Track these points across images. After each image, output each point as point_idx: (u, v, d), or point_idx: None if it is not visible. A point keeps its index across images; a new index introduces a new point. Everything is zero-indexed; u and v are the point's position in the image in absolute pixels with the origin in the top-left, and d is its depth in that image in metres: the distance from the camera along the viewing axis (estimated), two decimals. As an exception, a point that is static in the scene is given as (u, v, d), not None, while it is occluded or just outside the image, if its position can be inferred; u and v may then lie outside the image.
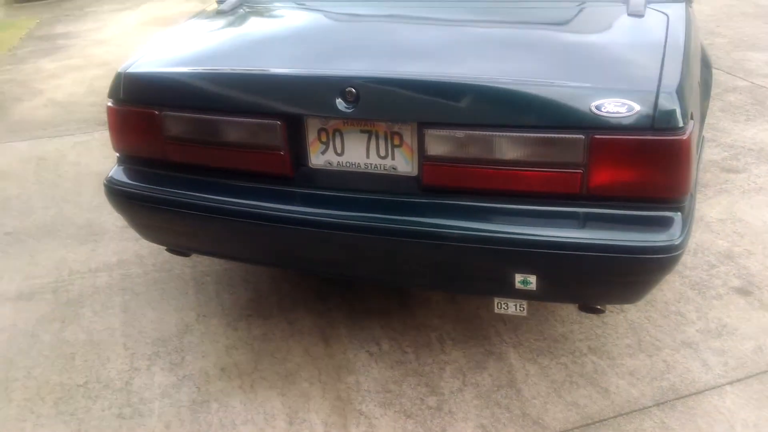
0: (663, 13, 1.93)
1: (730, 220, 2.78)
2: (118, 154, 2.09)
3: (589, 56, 1.76)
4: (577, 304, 1.84)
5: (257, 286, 2.56)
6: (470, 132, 1.64)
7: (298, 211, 1.81)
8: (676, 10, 1.96)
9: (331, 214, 1.78)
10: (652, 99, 1.52)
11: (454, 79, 1.66)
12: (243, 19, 2.25)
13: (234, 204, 1.87)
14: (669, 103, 1.52)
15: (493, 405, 1.99)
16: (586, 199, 1.63)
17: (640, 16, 1.90)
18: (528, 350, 2.18)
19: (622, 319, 2.29)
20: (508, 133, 1.62)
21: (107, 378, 2.18)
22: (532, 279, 1.69)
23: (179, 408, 2.05)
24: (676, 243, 1.57)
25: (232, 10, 2.31)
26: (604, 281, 1.69)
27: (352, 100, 1.69)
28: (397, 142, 1.75)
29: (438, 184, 1.73)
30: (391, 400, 2.03)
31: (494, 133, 1.63)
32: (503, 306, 1.84)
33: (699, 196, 2.90)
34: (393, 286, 2.43)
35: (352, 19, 2.19)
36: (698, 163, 1.96)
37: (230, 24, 2.21)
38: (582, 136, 1.56)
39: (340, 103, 1.70)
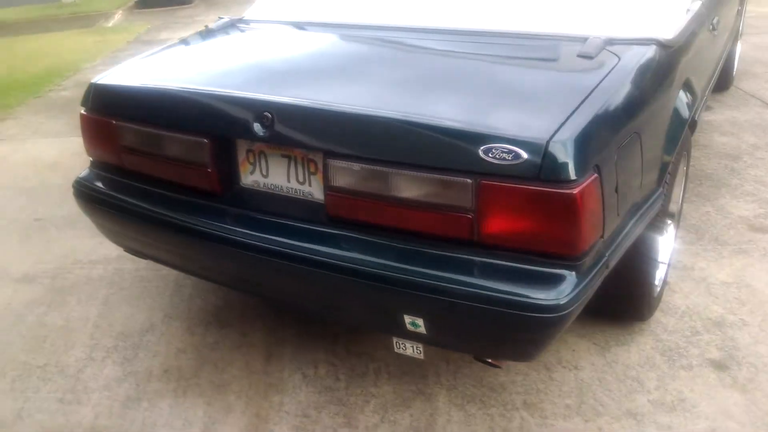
0: (616, 56, 1.80)
1: (736, 285, 2.52)
2: (90, 159, 2.25)
3: (502, 97, 1.68)
4: (470, 355, 1.75)
5: (228, 295, 2.64)
6: (366, 166, 1.62)
7: (218, 227, 1.86)
8: (636, 55, 1.82)
9: (244, 233, 1.81)
10: (541, 148, 1.43)
11: (353, 111, 1.64)
12: (215, 40, 2.34)
13: (169, 216, 1.95)
14: (559, 154, 1.43)
15: (402, 446, 1.94)
16: (477, 246, 1.56)
17: (589, 57, 1.78)
18: (460, 395, 2.09)
19: (572, 377, 2.14)
20: (401, 171, 1.58)
21: (64, 364, 2.34)
22: (420, 322, 1.63)
23: (113, 402, 2.16)
24: (562, 303, 1.46)
25: (216, 31, 2.42)
26: (489, 334, 1.60)
27: (268, 124, 1.73)
28: (312, 169, 1.76)
29: (340, 215, 1.72)
30: (306, 425, 2.02)
31: (388, 170, 1.59)
32: (401, 346, 1.79)
33: (712, 254, 2.67)
34: (296, 311, 2.43)
35: (310, 47, 2.21)
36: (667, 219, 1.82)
37: (201, 44, 2.32)
38: (470, 181, 1.49)
39: (257, 126, 1.74)
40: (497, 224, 1.53)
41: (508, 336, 1.58)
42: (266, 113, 1.73)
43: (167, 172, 1.98)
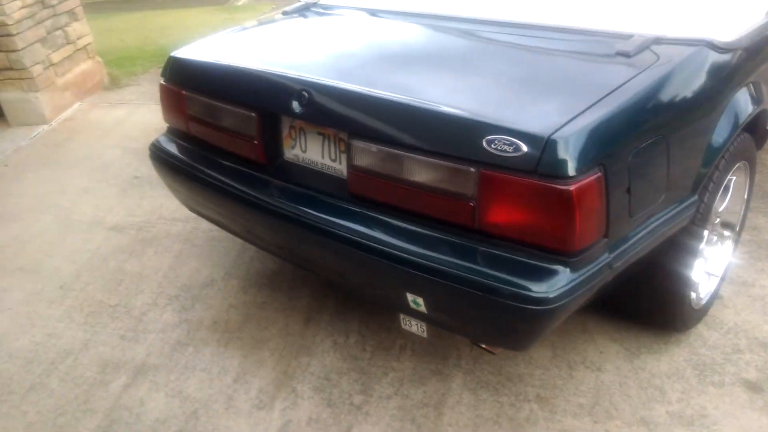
0: (656, 55, 1.76)
1: (797, 308, 2.36)
2: (167, 125, 2.49)
3: (523, 90, 1.69)
4: (468, 339, 1.80)
5: (284, 262, 2.82)
6: (383, 148, 1.71)
7: (259, 195, 2.02)
8: (677, 55, 1.77)
9: (280, 202, 1.95)
10: (542, 142, 1.45)
11: (373, 95, 1.73)
12: (284, 22, 2.49)
13: (221, 181, 2.13)
14: (558, 149, 1.44)
15: (408, 420, 2.03)
16: (477, 233, 1.61)
17: (627, 55, 1.75)
18: (475, 380, 2.15)
19: (593, 378, 2.13)
20: (413, 155, 1.65)
21: (132, 306, 2.62)
22: (421, 301, 1.71)
23: (165, 344, 2.41)
24: (551, 296, 1.48)
25: (290, 13, 2.57)
26: (481, 320, 1.65)
27: (305, 102, 1.85)
28: (342, 147, 1.88)
29: (359, 193, 1.82)
30: (325, 387, 2.16)
31: (402, 153, 1.67)
32: (407, 323, 1.86)
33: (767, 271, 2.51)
34: (322, 280, 2.54)
35: (364, 33, 2.29)
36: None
37: (270, 26, 2.48)
38: (473, 169, 1.54)
39: (296, 104, 1.87)
40: (497, 214, 1.57)
41: (499, 323, 1.61)
42: (304, 92, 1.86)
43: (222, 141, 2.17)
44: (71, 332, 2.50)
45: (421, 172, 1.65)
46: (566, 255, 1.52)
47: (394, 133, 1.69)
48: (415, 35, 2.16)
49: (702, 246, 2.15)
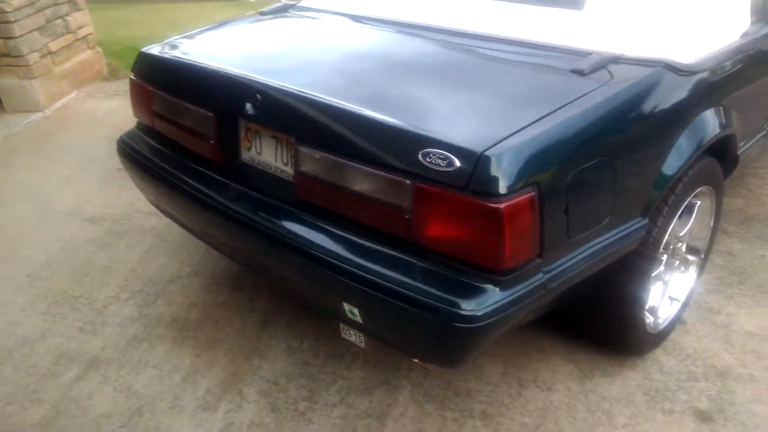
0: (611, 75, 1.73)
1: (760, 338, 2.31)
2: (136, 119, 2.50)
3: (468, 104, 1.67)
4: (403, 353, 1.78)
5: (252, 261, 2.82)
6: (326, 155, 1.70)
7: (214, 195, 2.01)
8: (631, 76, 1.73)
9: (233, 203, 1.95)
10: (474, 158, 1.43)
11: (318, 101, 1.71)
12: (259, 23, 2.48)
13: (180, 179, 2.13)
14: (490, 166, 1.42)
15: (350, 429, 2.01)
16: (413, 246, 1.59)
17: (580, 73, 1.72)
18: (423, 393, 2.12)
19: (542, 398, 2.09)
20: (353, 164, 1.64)
21: (95, 298, 2.63)
22: (356, 312, 1.69)
23: (121, 338, 2.41)
24: (478, 314, 1.46)
25: (266, 14, 2.56)
26: (411, 334, 1.63)
27: (258, 105, 1.85)
28: (293, 152, 1.86)
29: (305, 199, 1.81)
30: (272, 391, 2.15)
31: (343, 161, 1.66)
32: (347, 332, 1.85)
33: (748, 301, 2.48)
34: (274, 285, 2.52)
35: (330, 38, 2.27)
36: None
37: (241, 26, 2.47)
38: (408, 182, 1.53)
39: (249, 106, 1.86)
40: (430, 228, 1.55)
41: (428, 339, 1.59)
42: (257, 94, 1.85)
43: (183, 139, 2.17)
44: (32, 321, 2.51)
45: (361, 181, 1.64)
46: (496, 273, 1.49)
47: (337, 140, 1.68)
48: (379, 42, 2.14)
49: (660, 270, 2.12)
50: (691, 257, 2.33)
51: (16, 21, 4.13)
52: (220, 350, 2.34)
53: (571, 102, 1.61)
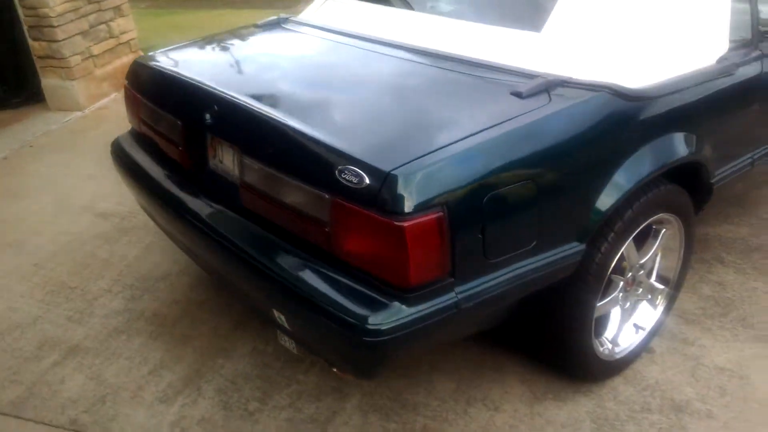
0: (549, 98, 1.72)
1: (729, 374, 2.22)
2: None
3: (395, 121, 1.70)
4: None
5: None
6: (262, 166, 1.77)
7: (180, 200, 2.12)
8: (569, 100, 1.72)
9: (194, 209, 2.05)
10: (382, 176, 1.47)
11: (259, 115, 1.78)
12: (249, 36, 2.57)
13: (156, 183, 2.25)
14: (396, 184, 1.45)
15: (292, 432, 2.07)
16: (331, 259, 1.64)
17: (519, 95, 1.73)
18: (370, 403, 2.16)
19: (486, 417, 2.09)
20: (284, 176, 1.70)
21: (89, 290, 2.79)
22: (284, 319, 1.75)
23: (104, 329, 2.56)
24: (382, 329, 1.49)
25: (260, 26, 2.65)
26: (326, 344, 1.67)
27: (214, 116, 1.94)
28: (240, 162, 1.94)
29: (249, 208, 1.89)
30: (228, 390, 2.24)
31: (276, 173, 1.73)
32: (283, 338, 1.91)
33: (726, 335, 2.39)
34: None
35: (303, 53, 2.33)
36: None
37: (230, 39, 2.56)
38: (327, 196, 1.58)
39: (207, 116, 1.96)
40: (344, 242, 1.59)
41: (339, 349, 1.64)
42: (214, 105, 1.94)
43: (160, 145, 2.29)
44: (28, 307, 2.69)
45: (290, 193, 1.70)
46: (402, 290, 1.53)
47: (271, 152, 1.75)
48: (345, 58, 2.19)
49: (615, 296, 2.08)
50: (659, 286, 2.27)
51: (59, 26, 4.41)
52: (190, 347, 2.45)
53: (497, 124, 1.62)
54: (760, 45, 2.27)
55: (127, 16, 5.12)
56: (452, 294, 1.58)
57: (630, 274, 2.11)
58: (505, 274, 1.66)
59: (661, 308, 2.29)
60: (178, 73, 2.17)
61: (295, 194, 1.68)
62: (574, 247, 1.77)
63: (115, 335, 2.53)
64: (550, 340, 2.04)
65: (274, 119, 1.75)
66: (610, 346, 2.15)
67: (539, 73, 1.82)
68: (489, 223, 1.58)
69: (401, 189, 1.46)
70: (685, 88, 1.96)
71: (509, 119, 1.64)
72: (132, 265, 2.96)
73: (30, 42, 4.56)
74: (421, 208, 1.47)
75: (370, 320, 1.51)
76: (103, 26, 4.87)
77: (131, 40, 5.20)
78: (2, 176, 3.88)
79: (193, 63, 2.35)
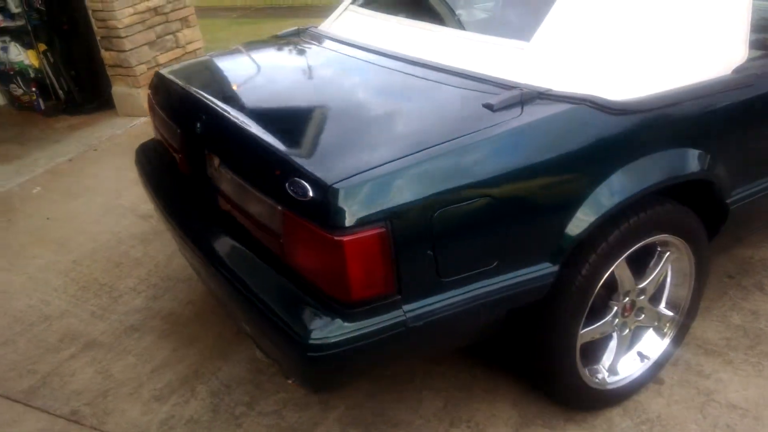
0: (521, 111, 1.64)
1: (742, 412, 2.03)
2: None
3: (356, 133, 1.68)
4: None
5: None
6: (234, 176, 1.80)
7: (177, 204, 2.20)
8: (541, 113, 1.63)
9: (182, 213, 2.12)
10: (325, 189, 1.45)
11: (234, 125, 1.81)
12: (261, 48, 2.63)
13: (160, 188, 2.35)
14: (338, 198, 1.43)
15: (271, 439, 2.09)
16: (284, 266, 1.64)
17: (489, 108, 1.66)
18: (352, 417, 2.14)
19: (468, 440, 2.02)
20: (248, 186, 1.72)
21: (116, 287, 2.94)
22: (249, 328, 1.77)
23: (121, 325, 2.68)
24: (321, 344, 1.48)
25: (280, 38, 2.69)
26: (277, 355, 1.66)
27: (202, 125, 2.00)
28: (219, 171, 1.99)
29: (224, 213, 1.92)
30: (220, 393, 2.28)
31: (243, 183, 1.75)
32: (255, 348, 1.92)
33: (748, 369, 2.19)
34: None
35: (305, 65, 2.35)
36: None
37: (250, 50, 2.61)
38: (279, 207, 1.58)
39: (198, 126, 2.02)
40: (293, 254, 1.59)
41: (289, 362, 1.63)
42: (203, 115, 2.00)
43: (168, 152, 2.38)
44: (59, 301, 2.87)
45: (253, 204, 1.72)
46: (344, 305, 1.50)
47: (239, 163, 1.78)
48: (344, 69, 2.17)
49: (608, 320, 1.95)
50: (667, 313, 2.11)
51: (126, 36, 4.68)
52: (194, 348, 2.52)
53: (456, 138, 1.56)
54: (787, 55, 2.07)
55: (194, 27, 5.36)
56: (399, 312, 1.53)
57: (627, 299, 1.97)
58: (462, 293, 1.60)
59: (669, 337, 2.13)
60: (182, 84, 2.25)
61: (256, 205, 1.70)
62: (545, 269, 1.68)
63: (130, 332, 2.64)
64: (535, 365, 1.95)
65: (243, 129, 1.77)
66: (606, 374, 2.02)
67: (521, 85, 1.74)
68: (441, 241, 1.52)
69: (342, 203, 1.44)
70: (687, 101, 1.81)
71: (471, 132, 1.58)
72: (160, 266, 3.08)
73: (102, 52, 4.87)
74: (363, 223, 1.44)
75: (312, 335, 1.50)
76: (170, 36, 5.13)
77: (197, 49, 5.43)
78: (64, 177, 4.16)
79: (202, 74, 2.43)
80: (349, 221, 1.43)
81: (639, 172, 1.73)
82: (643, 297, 2.01)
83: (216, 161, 1.94)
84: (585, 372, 1.94)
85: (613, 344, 2.03)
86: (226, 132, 1.85)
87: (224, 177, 1.86)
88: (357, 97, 1.94)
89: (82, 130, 4.94)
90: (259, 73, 2.30)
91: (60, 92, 5.32)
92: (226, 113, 1.88)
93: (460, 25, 2.12)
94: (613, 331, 2.01)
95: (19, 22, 5.13)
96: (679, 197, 1.92)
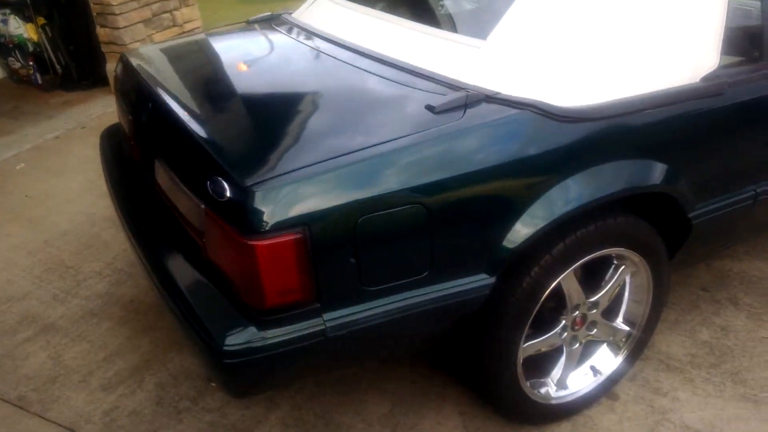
0: (464, 114, 1.56)
1: (696, 435, 1.96)
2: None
3: (287, 131, 1.60)
4: None
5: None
6: (168, 170, 1.74)
7: (122, 189, 2.17)
8: (480, 117, 1.54)
9: (127, 198, 2.09)
10: (242, 191, 1.39)
11: (169, 118, 1.75)
12: (229, 34, 2.55)
13: (114, 172, 2.31)
14: (254, 201, 1.36)
15: (210, 436, 2.05)
16: (206, 264, 1.59)
17: (431, 110, 1.57)
18: (295, 417, 2.10)
19: (408, 448, 1.97)
20: (180, 183, 1.67)
21: (81, 271, 2.92)
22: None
23: (81, 310, 2.66)
24: (231, 351, 1.43)
25: (251, 23, 2.60)
26: (198, 357, 1.62)
27: (147, 114, 1.95)
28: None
29: (163, 206, 1.87)
30: (167, 385, 2.25)
31: (175, 178, 1.70)
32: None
33: (710, 389, 2.11)
34: None
35: (261, 54, 2.28)
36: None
37: (217, 36, 2.54)
38: (202, 206, 1.52)
39: (143, 115, 1.97)
40: (213, 254, 1.54)
41: (204, 365, 1.59)
42: (149, 103, 1.94)
43: (124, 138, 2.33)
44: (24, 282, 2.85)
45: (183, 199, 1.67)
46: (258, 312, 1.45)
47: (172, 156, 1.73)
48: (299, 62, 2.08)
49: (557, 333, 1.88)
50: (623, 328, 2.03)
51: (120, 14, 4.63)
52: (149, 338, 2.49)
53: (389, 141, 1.49)
54: (772, 62, 1.96)
55: (193, 6, 5.29)
56: (319, 320, 1.48)
57: (577, 312, 1.89)
58: (389, 303, 1.53)
59: (624, 353, 2.05)
60: (137, 69, 2.19)
61: (186, 201, 1.65)
62: (481, 280, 1.61)
63: (88, 318, 2.62)
64: (476, 375, 1.89)
65: (178, 122, 1.71)
66: (553, 388, 1.95)
67: (470, 86, 1.66)
68: (365, 249, 1.46)
69: (258, 206, 1.37)
70: (647, 109, 1.72)
71: (406, 135, 1.51)
72: (127, 251, 3.04)
73: (97, 28, 4.83)
74: (278, 227, 1.38)
75: (227, 341, 1.45)
76: (167, 15, 5.06)
77: (195, 29, 5.36)
78: (49, 154, 4.14)
79: (160, 60, 2.36)
80: (263, 225, 1.37)
81: (586, 183, 1.65)
82: (595, 311, 1.93)
83: (156, 152, 1.89)
84: (527, 385, 1.88)
85: (562, 358, 1.96)
86: (164, 123, 1.80)
87: (160, 169, 1.81)
88: (301, 92, 1.86)
89: (76, 106, 4.91)
90: (211, 63, 2.24)
91: (57, 67, 5.29)
92: (166, 103, 1.82)
93: (425, 19, 2.02)
94: (562, 345, 1.93)
95: (19, -5, 5.11)
96: (639, 210, 1.83)
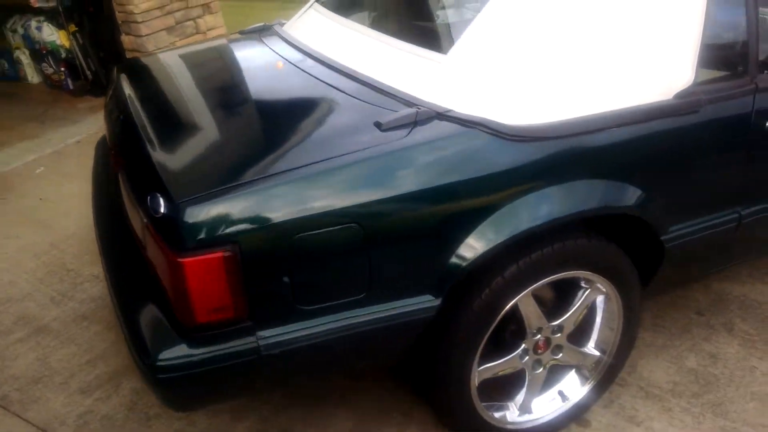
0: (410, 132, 1.53)
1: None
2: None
3: (233, 146, 1.62)
4: None
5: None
6: (126, 180, 1.77)
7: (99, 198, 2.23)
8: (426, 135, 1.52)
9: (101, 208, 2.14)
10: (172, 207, 1.40)
11: (132, 127, 1.78)
12: (218, 46, 2.59)
13: (96, 180, 2.38)
14: (184, 217, 1.37)
15: (175, 445, 2.07)
16: (151, 279, 1.61)
17: (378, 127, 1.55)
18: (260, 430, 2.09)
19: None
20: (133, 195, 1.69)
21: (81, 274, 2.99)
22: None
23: (74, 314, 2.72)
24: (160, 366, 1.45)
25: (245, 33, 2.63)
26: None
27: (120, 125, 1.98)
28: None
29: (127, 219, 1.90)
30: (142, 391, 2.28)
31: (129, 190, 1.73)
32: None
33: (687, 419, 2.04)
34: None
35: (241, 68, 2.31)
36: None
37: (207, 48, 2.59)
38: (145, 220, 1.54)
39: (117, 128, 2.01)
40: (153, 270, 1.56)
41: (142, 379, 1.60)
42: (121, 115, 1.98)
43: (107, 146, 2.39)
44: (25, 284, 2.95)
45: (133, 214, 1.70)
46: (189, 328, 1.45)
47: (128, 171, 1.76)
48: (270, 77, 2.10)
49: (516, 356, 1.83)
50: (595, 353, 1.96)
51: (143, 21, 4.75)
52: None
53: (330, 159, 1.48)
54: (758, 77, 1.86)
55: (216, 13, 5.38)
56: (252, 338, 1.47)
57: (539, 336, 1.83)
58: (327, 323, 1.52)
59: (594, 379, 1.98)
60: (115, 81, 2.24)
61: (134, 215, 1.67)
62: (425, 302, 1.58)
63: (79, 321, 2.68)
64: (430, 396, 1.85)
65: (135, 134, 1.74)
66: (516, 412, 1.90)
67: (424, 103, 1.63)
68: (299, 268, 1.45)
69: (187, 221, 1.38)
70: (610, 127, 1.65)
71: (348, 153, 1.49)
72: (128, 255, 3.12)
73: (122, 36, 4.96)
74: (207, 244, 1.38)
75: (159, 356, 1.47)
76: (189, 23, 5.16)
77: (219, 36, 5.46)
78: (67, 158, 4.27)
79: (142, 72, 2.39)
80: (191, 242, 1.38)
81: (540, 204, 1.60)
82: (559, 335, 1.87)
83: (119, 164, 1.93)
84: (482, 407, 1.83)
85: (523, 382, 1.90)
86: (126, 136, 1.83)
87: (122, 182, 1.84)
88: (256, 108, 1.88)
89: (101, 111, 5.05)
90: (182, 77, 2.24)
91: (88, 73, 5.47)
92: (131, 116, 1.86)
93: (399, 33, 2.00)
94: (524, 369, 1.88)
95: (52, 3, 5.29)
96: (608, 233, 1.77)
